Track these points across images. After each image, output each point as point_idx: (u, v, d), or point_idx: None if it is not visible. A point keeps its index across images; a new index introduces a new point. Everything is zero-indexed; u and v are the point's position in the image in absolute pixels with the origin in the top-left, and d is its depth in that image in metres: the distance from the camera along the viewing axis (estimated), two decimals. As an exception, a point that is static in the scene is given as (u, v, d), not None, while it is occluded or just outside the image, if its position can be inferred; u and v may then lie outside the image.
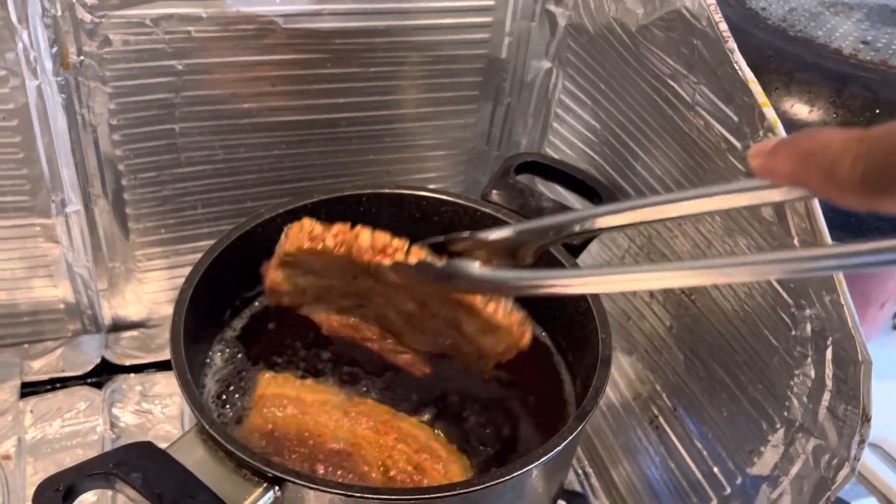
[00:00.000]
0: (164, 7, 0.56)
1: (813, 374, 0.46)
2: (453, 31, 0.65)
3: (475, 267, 0.45)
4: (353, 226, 0.50)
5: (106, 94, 0.58)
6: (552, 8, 0.65)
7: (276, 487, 0.43)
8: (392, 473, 0.48)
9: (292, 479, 0.42)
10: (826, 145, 0.31)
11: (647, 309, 0.63)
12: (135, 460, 0.42)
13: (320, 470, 0.48)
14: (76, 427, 0.64)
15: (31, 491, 0.41)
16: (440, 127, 0.71)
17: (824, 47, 0.59)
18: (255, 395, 0.52)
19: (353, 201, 0.61)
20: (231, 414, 0.53)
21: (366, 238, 0.49)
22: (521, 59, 0.68)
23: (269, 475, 0.43)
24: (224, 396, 0.54)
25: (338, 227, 0.50)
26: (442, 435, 0.52)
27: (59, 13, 0.54)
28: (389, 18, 0.62)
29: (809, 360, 0.46)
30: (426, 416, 0.54)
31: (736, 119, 0.43)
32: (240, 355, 0.57)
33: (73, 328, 0.72)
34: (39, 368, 0.69)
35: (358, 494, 0.41)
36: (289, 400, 0.51)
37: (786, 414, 0.49)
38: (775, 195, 0.36)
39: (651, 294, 0.62)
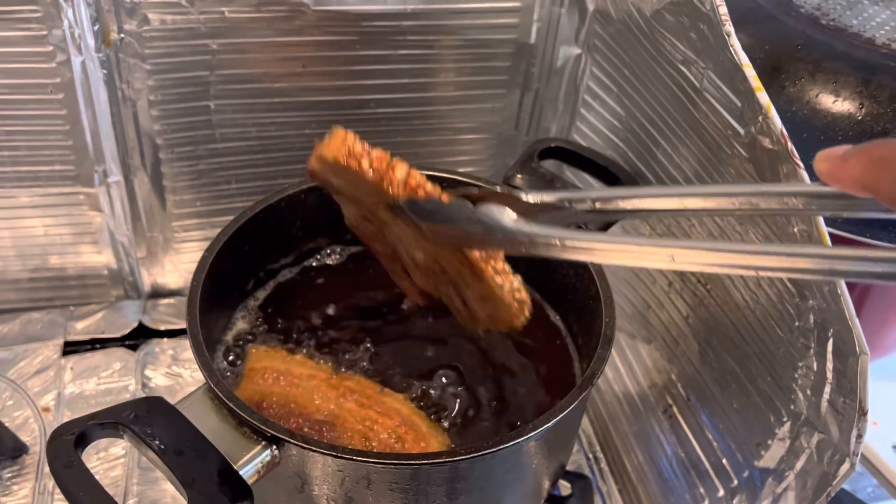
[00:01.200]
0: (199, -12, 0.59)
1: (815, 366, 0.46)
2: (482, 15, 0.66)
3: (506, 215, 0.43)
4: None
5: (145, 71, 0.61)
6: (582, -7, 0.65)
7: (274, 446, 0.45)
8: (373, 444, 0.49)
9: (288, 438, 0.44)
10: None
11: (666, 298, 0.62)
12: (145, 413, 0.45)
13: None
14: (110, 385, 0.68)
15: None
16: (469, 111, 0.71)
17: (856, 36, 0.58)
18: (245, 368, 0.54)
19: (376, 180, 0.63)
20: (233, 383, 0.55)
21: (401, 172, 0.48)
22: (549, 45, 0.69)
23: (268, 434, 0.45)
24: (239, 363, 0.56)
25: (378, 154, 0.49)
26: (423, 412, 0.53)
27: (101, -8, 0.57)
28: (418, 2, 0.63)
29: (812, 351, 0.46)
30: (416, 394, 0.55)
31: (739, 104, 0.43)
32: (258, 324, 0.59)
33: (115, 293, 0.76)
34: (82, 329, 0.73)
35: (346, 456, 0.43)
36: (278, 373, 0.53)
37: (792, 407, 0.48)
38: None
39: (669, 283, 0.62)
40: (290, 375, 0.55)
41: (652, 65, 0.55)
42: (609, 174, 0.64)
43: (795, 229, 0.43)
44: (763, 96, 0.39)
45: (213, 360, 0.56)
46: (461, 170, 0.72)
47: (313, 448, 0.43)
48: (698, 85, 0.47)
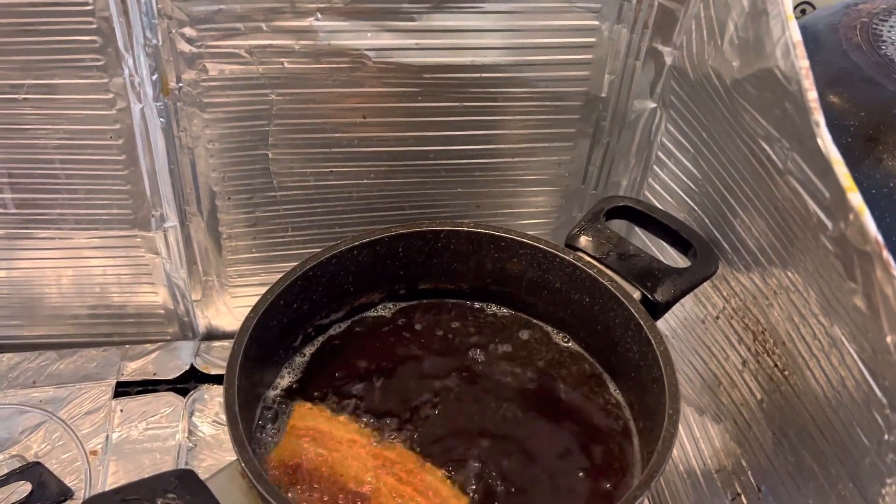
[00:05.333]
0: (259, 39, 0.57)
1: (906, 486, 0.41)
2: (552, 67, 0.62)
3: None
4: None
5: (203, 119, 0.61)
6: (659, 47, 0.61)
7: (303, 535, 0.43)
8: None
9: (318, 529, 0.42)
10: None
11: (739, 377, 0.58)
12: (173, 489, 0.43)
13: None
14: (158, 431, 0.67)
15: (108, 488, 0.42)
16: (534, 163, 0.68)
17: (967, 105, 0.52)
18: (287, 425, 0.52)
19: (431, 237, 0.60)
20: (275, 439, 0.54)
21: None
22: (623, 98, 0.65)
23: (297, 522, 0.42)
24: (278, 419, 0.55)
25: None
26: (466, 496, 0.50)
27: (160, 43, 0.56)
28: (485, 55, 0.60)
29: (904, 470, 0.41)
30: (458, 472, 0.51)
31: (827, 195, 0.38)
32: (304, 381, 0.58)
33: (171, 332, 0.76)
34: (134, 370, 0.73)
35: (376, 558, 0.40)
36: (320, 434, 0.52)
37: (876, 521, 0.43)
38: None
39: (744, 362, 0.57)
40: (331, 438, 0.53)
41: (730, 132, 0.50)
42: (681, 239, 0.59)
43: (887, 327, 0.38)
44: (855, 197, 0.34)
45: (255, 415, 0.54)
46: (523, 222, 0.69)
47: (342, 544, 0.41)
48: (781, 166, 0.43)
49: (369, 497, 0.49)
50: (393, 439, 0.53)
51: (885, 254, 0.33)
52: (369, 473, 0.51)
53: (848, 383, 0.45)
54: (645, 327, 0.53)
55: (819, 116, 0.36)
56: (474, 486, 0.51)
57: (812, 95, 0.36)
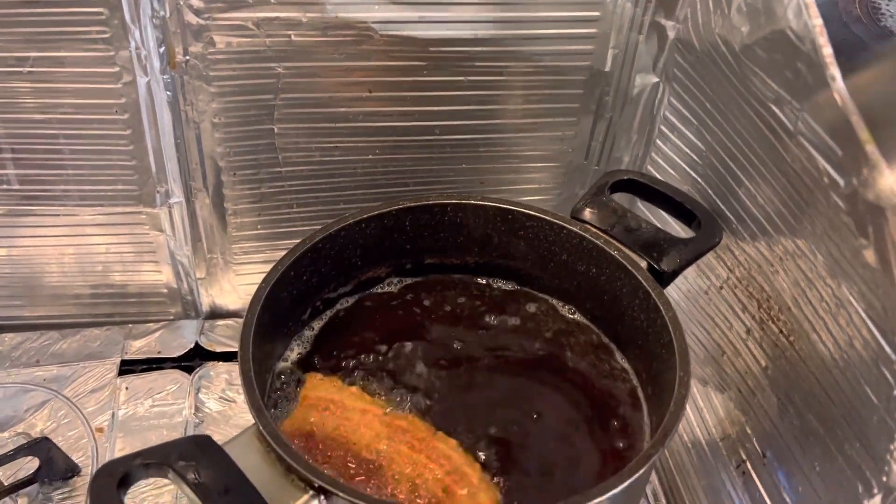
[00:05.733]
0: (266, 11, 0.57)
1: (915, 441, 0.41)
2: (556, 41, 0.63)
3: None
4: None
5: (209, 93, 0.60)
6: (662, 21, 0.62)
7: (322, 497, 0.43)
8: (420, 493, 0.47)
9: (338, 491, 0.42)
10: None
11: (743, 345, 0.58)
12: (191, 453, 0.43)
13: (350, 479, 0.48)
14: (164, 408, 0.67)
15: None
16: (537, 139, 0.69)
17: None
18: (300, 395, 0.53)
19: (438, 210, 0.61)
20: (286, 409, 0.54)
21: None
22: (626, 73, 0.65)
23: (316, 484, 0.43)
24: (288, 390, 0.55)
25: None
26: (478, 463, 0.50)
27: (168, 14, 0.56)
28: (489, 28, 0.61)
29: (911, 425, 0.41)
30: (469, 441, 0.52)
31: (840, 153, 0.39)
32: (314, 353, 0.58)
33: (174, 311, 0.76)
34: (139, 348, 0.72)
35: (397, 515, 0.41)
36: (332, 403, 0.52)
37: (885, 479, 0.44)
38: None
39: (748, 330, 0.58)
40: (343, 408, 0.53)
41: (737, 99, 0.51)
42: (685, 211, 0.60)
43: None
44: (872, 150, 0.35)
45: (266, 386, 0.55)
46: (526, 198, 0.69)
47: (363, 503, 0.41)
48: (791, 127, 0.43)
49: (382, 465, 0.50)
50: (404, 409, 0.54)
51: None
52: (382, 441, 0.51)
53: (856, 343, 0.46)
54: (653, 294, 0.54)
55: (835, 71, 0.37)
56: (486, 453, 0.51)
57: (827, 51, 0.37)
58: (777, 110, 0.45)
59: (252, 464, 0.44)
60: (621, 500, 0.48)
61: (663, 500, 0.66)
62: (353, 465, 0.49)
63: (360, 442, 0.51)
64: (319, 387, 0.55)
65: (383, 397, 0.54)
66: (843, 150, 0.39)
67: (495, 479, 0.50)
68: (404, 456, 0.50)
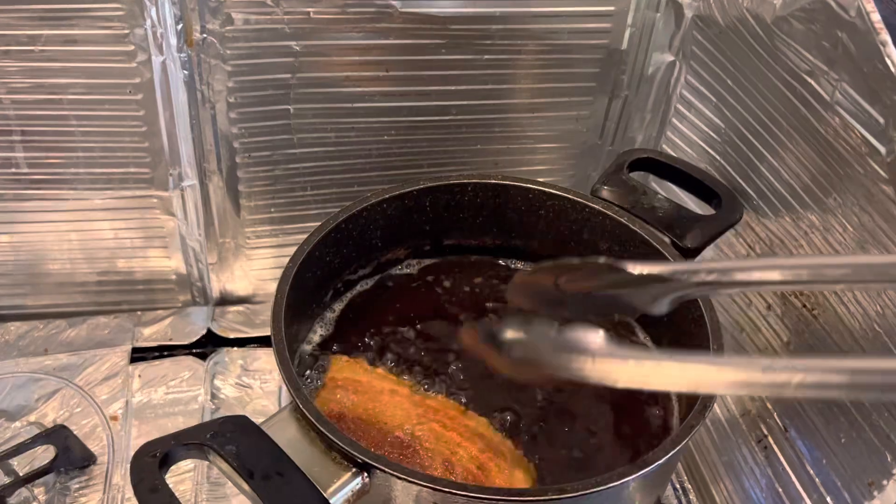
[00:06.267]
0: (285, -13, 0.56)
1: (950, 407, 0.42)
2: (573, 19, 0.63)
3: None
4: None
5: (225, 72, 0.59)
6: (679, -1, 0.62)
7: (365, 473, 0.42)
8: (455, 470, 0.47)
9: (382, 466, 0.41)
10: None
11: (763, 321, 0.59)
12: (230, 433, 0.42)
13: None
14: (179, 395, 0.66)
15: (133, 452, 0.42)
16: (552, 118, 0.68)
17: None
18: (326, 377, 0.52)
19: (458, 190, 0.60)
20: (312, 392, 0.53)
21: None
22: (642, 52, 0.65)
23: (359, 461, 0.42)
24: (313, 373, 0.54)
25: None
26: (509, 440, 0.50)
27: (186, -10, 0.55)
28: (508, 4, 0.60)
29: (947, 391, 0.42)
30: (498, 419, 0.52)
31: (882, 121, 0.39)
32: (333, 335, 0.57)
33: (183, 299, 0.74)
34: (149, 335, 0.71)
35: (445, 489, 0.40)
36: (359, 385, 0.52)
37: (916, 447, 0.45)
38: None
39: (768, 306, 0.58)
40: (371, 389, 0.53)
41: (766, 73, 0.51)
42: (705, 188, 0.60)
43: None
44: (924, 113, 0.35)
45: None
46: (541, 178, 0.69)
47: (410, 479, 0.41)
48: (828, 98, 0.44)
49: (416, 443, 0.49)
50: (432, 389, 0.53)
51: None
52: (413, 421, 0.51)
53: (888, 311, 0.46)
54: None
55: (886, 36, 0.37)
56: (516, 431, 0.51)
57: (876, 17, 0.37)
58: (812, 81, 0.45)
59: (292, 443, 0.43)
60: (661, 473, 0.48)
61: (684, 477, 0.66)
62: (387, 446, 0.49)
63: (392, 422, 0.50)
64: (346, 368, 0.54)
65: (410, 378, 0.54)
66: (886, 118, 0.39)
67: (527, 457, 0.50)
68: (437, 434, 0.50)
